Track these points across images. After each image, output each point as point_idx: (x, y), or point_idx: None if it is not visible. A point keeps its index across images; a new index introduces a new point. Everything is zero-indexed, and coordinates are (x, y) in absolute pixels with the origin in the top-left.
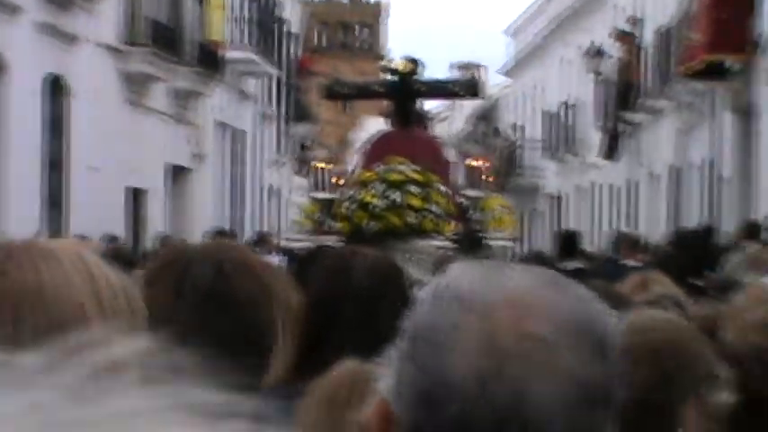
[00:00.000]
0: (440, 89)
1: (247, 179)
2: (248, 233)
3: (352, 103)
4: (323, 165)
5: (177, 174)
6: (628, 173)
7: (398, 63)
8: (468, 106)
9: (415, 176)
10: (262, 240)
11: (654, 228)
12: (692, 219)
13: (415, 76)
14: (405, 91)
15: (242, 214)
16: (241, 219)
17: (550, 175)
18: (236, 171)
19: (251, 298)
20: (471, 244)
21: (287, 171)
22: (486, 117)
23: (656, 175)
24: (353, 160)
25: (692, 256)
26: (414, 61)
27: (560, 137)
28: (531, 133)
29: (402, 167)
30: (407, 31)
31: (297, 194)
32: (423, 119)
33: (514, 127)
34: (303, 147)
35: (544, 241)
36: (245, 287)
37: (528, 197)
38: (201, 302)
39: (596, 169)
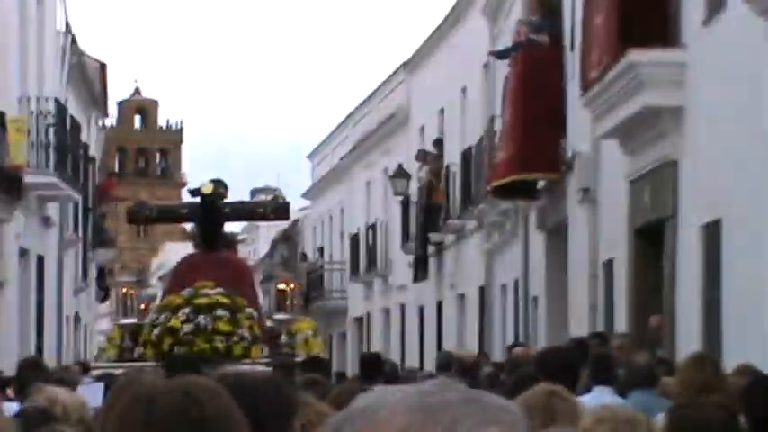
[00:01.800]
0: (246, 211)
1: (50, 307)
2: (51, 362)
3: (148, 229)
4: (127, 290)
5: None
6: (436, 293)
7: (204, 186)
8: (271, 229)
9: (223, 300)
10: (83, 367)
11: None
12: (503, 338)
13: (221, 199)
14: (210, 213)
15: (45, 343)
16: (43, 348)
17: (356, 297)
18: (39, 299)
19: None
20: (285, 369)
21: (89, 298)
22: (287, 239)
23: (464, 295)
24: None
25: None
26: (219, 183)
27: (365, 258)
28: (335, 256)
29: (209, 291)
30: (206, 156)
31: (99, 323)
32: (230, 242)
33: (319, 250)
34: (103, 273)
35: (353, 363)
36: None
37: (334, 319)
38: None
39: (403, 290)
